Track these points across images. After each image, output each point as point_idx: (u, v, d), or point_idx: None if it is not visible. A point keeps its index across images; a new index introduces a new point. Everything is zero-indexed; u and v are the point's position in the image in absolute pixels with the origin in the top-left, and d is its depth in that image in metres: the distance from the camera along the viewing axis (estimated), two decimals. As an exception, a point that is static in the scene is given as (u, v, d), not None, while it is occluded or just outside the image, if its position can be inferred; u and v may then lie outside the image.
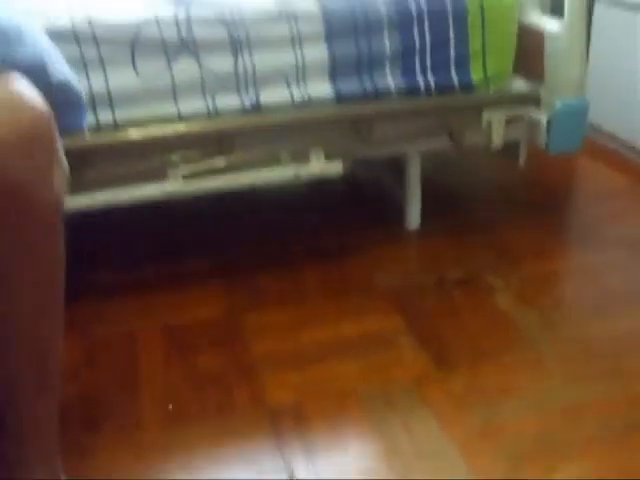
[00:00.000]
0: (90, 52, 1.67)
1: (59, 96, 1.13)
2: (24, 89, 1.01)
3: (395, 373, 1.61)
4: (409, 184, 2.09)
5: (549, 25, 2.03)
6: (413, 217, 2.13)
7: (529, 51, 2.05)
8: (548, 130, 2.03)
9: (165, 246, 2.05)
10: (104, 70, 1.68)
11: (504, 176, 2.21)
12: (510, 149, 2.10)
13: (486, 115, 1.95)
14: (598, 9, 2.62)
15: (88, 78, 1.68)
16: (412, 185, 2.09)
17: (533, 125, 2.05)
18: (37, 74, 1.07)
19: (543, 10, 2.13)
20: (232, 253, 2.04)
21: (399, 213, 2.15)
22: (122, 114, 1.71)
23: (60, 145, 1.04)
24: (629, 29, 2.51)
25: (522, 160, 2.13)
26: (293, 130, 1.81)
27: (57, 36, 1.63)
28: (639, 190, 2.40)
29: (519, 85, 2.03)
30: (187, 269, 1.98)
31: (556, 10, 2.12)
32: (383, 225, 2.16)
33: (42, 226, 1.02)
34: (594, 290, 1.90)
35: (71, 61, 1.63)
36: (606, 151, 2.66)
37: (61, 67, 1.15)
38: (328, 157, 1.84)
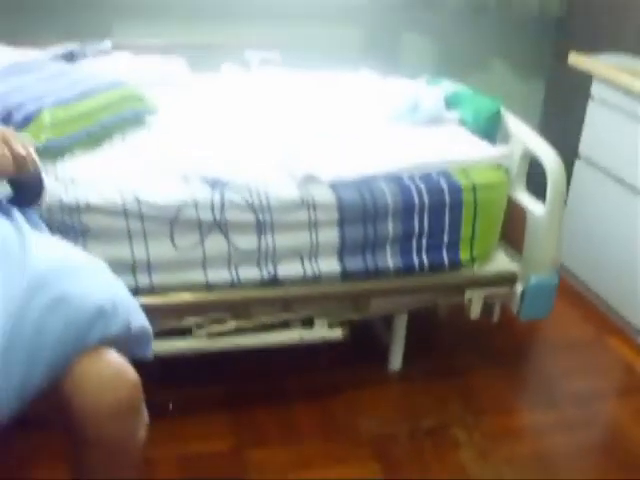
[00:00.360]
0: (135, 225, 1.99)
1: (135, 339, 1.46)
2: (121, 363, 1.35)
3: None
4: (394, 332, 2.43)
5: (532, 207, 2.38)
6: (395, 360, 2.48)
7: (512, 224, 2.40)
8: (521, 299, 2.39)
9: (170, 374, 2.36)
10: (146, 241, 2.01)
11: (479, 324, 2.55)
12: (485, 306, 2.44)
13: (468, 293, 2.30)
14: (578, 167, 2.98)
15: (131, 247, 2.00)
16: (397, 333, 2.43)
17: (508, 293, 2.41)
18: (125, 334, 1.40)
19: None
20: (234, 385, 2.37)
21: (383, 353, 2.49)
22: (158, 279, 2.04)
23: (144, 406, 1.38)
24: (605, 192, 2.88)
25: (496, 317, 2.48)
26: (303, 301, 2.15)
27: (109, 210, 1.96)
28: (601, 343, 2.77)
29: (500, 260, 2.38)
30: (195, 398, 2.31)
31: (531, 187, 2.47)
32: (369, 364, 2.50)
33: (127, 466, 1.37)
34: (543, 449, 2.26)
35: (118, 232, 1.97)
36: (577, 297, 3.03)
37: (137, 314, 1.48)
38: (330, 324, 2.19)
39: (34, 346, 1.25)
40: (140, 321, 1.46)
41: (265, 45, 3.03)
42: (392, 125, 2.48)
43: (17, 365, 1.23)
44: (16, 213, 1.52)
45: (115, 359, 1.35)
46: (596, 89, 2.90)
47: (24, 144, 1.49)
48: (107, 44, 2.83)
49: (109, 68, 2.57)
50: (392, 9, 3.26)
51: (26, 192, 1.58)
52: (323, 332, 2.20)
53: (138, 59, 2.76)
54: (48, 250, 1.42)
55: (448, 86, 2.68)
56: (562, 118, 3.36)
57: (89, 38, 2.89)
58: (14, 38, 2.73)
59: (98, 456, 1.34)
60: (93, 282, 1.40)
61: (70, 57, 2.71)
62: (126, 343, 1.42)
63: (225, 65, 2.90)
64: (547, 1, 3.36)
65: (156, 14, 3.08)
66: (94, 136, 2.20)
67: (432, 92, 2.56)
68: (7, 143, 1.44)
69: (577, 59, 2.95)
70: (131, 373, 1.35)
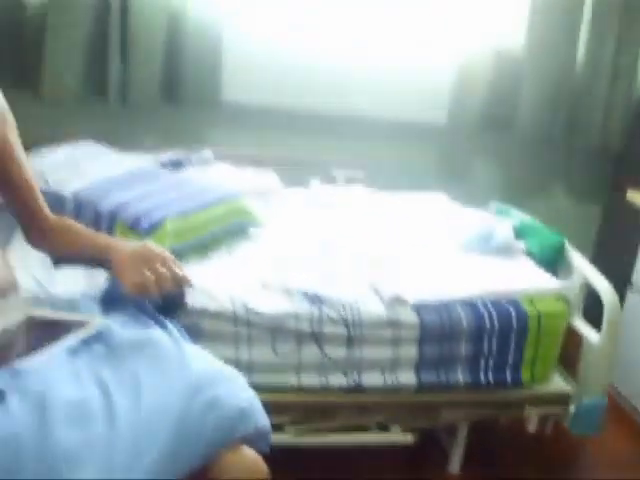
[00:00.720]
0: (242, 331, 2.35)
1: (260, 436, 1.79)
2: (256, 458, 1.69)
3: None
4: (457, 438, 2.76)
5: (588, 334, 2.72)
6: (455, 464, 2.80)
7: (568, 348, 2.74)
8: (573, 417, 2.72)
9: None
10: (250, 345, 2.36)
11: (534, 434, 2.86)
12: (540, 418, 2.77)
13: (527, 410, 2.64)
14: (631, 296, 3.32)
15: (237, 349, 2.36)
16: (459, 439, 2.76)
17: (562, 411, 2.74)
18: (255, 432, 1.74)
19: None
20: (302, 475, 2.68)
21: (444, 456, 2.81)
22: (257, 379, 2.37)
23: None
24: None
25: (548, 430, 2.81)
26: (381, 407, 2.49)
27: (222, 316, 2.32)
28: (633, 467, 3.07)
29: (556, 381, 2.71)
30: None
31: (588, 314, 2.82)
32: (430, 466, 2.82)
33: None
34: None
35: (227, 335, 2.33)
36: (625, 416, 3.34)
37: (263, 414, 1.81)
38: (403, 429, 2.53)
39: (194, 443, 1.59)
40: (264, 421, 1.80)
41: (350, 162, 3.45)
42: (466, 252, 2.85)
43: (180, 461, 1.57)
44: (167, 322, 1.89)
45: (251, 454, 1.68)
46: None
47: (178, 263, 1.87)
48: (208, 153, 3.24)
49: (214, 179, 2.97)
50: (466, 133, 3.66)
51: (171, 303, 1.95)
52: (397, 437, 2.54)
53: (236, 171, 3.17)
54: (197, 357, 1.78)
55: (516, 216, 3.05)
56: (616, 246, 3.71)
57: (187, 143, 3.32)
58: (116, 139, 3.20)
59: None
60: (235, 387, 1.74)
61: (177, 164, 3.12)
62: (253, 439, 1.76)
63: (314, 181, 3.31)
64: (609, 135, 3.74)
65: (247, 125, 3.50)
66: (205, 245, 2.58)
67: (503, 224, 2.93)
68: (167, 265, 1.81)
69: (634, 196, 3.31)
70: (263, 466, 1.69)
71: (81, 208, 2.57)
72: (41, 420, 1.40)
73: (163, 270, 1.77)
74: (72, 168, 2.78)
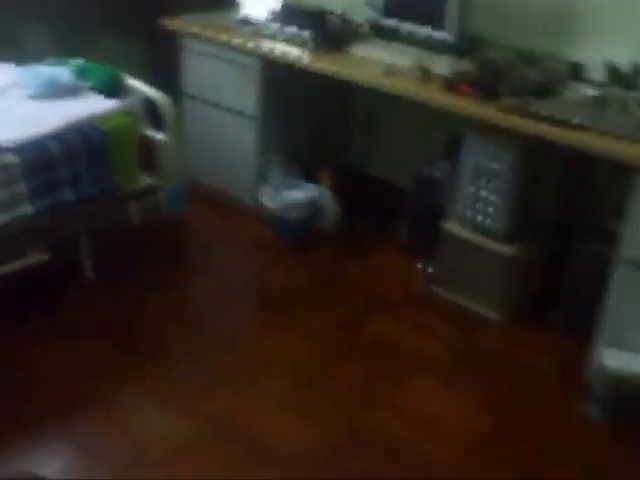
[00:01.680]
0: None
1: None
2: None
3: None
4: (85, 249, 3.64)
5: (157, 136, 3.71)
6: (89, 271, 3.69)
7: (147, 152, 3.71)
8: (165, 200, 3.74)
9: None
10: None
11: (141, 232, 3.88)
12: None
13: (130, 206, 3.60)
14: (186, 101, 4.37)
15: None
16: (84, 249, 3.64)
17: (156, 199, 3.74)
18: None
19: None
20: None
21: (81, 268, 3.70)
22: None
23: None
24: (208, 114, 4.29)
25: (151, 220, 3.82)
26: (7, 241, 3.28)
27: None
28: (236, 224, 4.26)
29: (144, 179, 3.68)
30: None
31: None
32: (70, 278, 3.70)
33: None
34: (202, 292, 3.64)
35: None
36: (210, 198, 4.44)
37: None
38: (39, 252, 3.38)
39: None
40: None
41: None
42: (38, 100, 3.65)
43: None
44: None
45: None
46: (184, 42, 4.29)
47: None
48: None
49: None
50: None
51: None
52: (35, 258, 3.38)
53: None
54: None
55: (75, 63, 3.90)
56: (166, 66, 4.70)
57: None
58: None
59: None
60: None
61: None
62: None
63: None
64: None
65: None
66: None
67: (61, 70, 3.74)
68: None
69: (168, 22, 4.30)
70: None
71: None
72: None
73: None
74: None
